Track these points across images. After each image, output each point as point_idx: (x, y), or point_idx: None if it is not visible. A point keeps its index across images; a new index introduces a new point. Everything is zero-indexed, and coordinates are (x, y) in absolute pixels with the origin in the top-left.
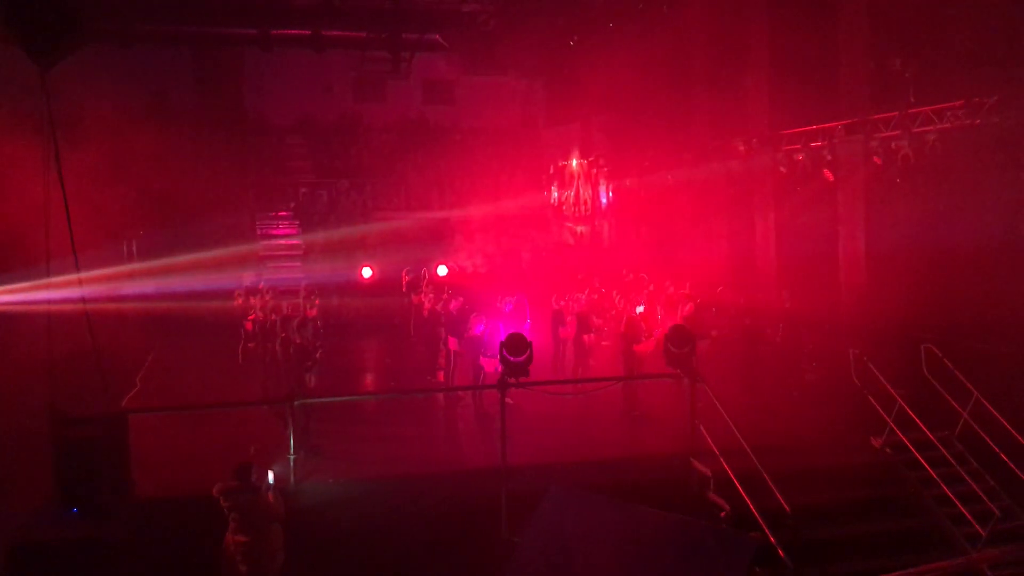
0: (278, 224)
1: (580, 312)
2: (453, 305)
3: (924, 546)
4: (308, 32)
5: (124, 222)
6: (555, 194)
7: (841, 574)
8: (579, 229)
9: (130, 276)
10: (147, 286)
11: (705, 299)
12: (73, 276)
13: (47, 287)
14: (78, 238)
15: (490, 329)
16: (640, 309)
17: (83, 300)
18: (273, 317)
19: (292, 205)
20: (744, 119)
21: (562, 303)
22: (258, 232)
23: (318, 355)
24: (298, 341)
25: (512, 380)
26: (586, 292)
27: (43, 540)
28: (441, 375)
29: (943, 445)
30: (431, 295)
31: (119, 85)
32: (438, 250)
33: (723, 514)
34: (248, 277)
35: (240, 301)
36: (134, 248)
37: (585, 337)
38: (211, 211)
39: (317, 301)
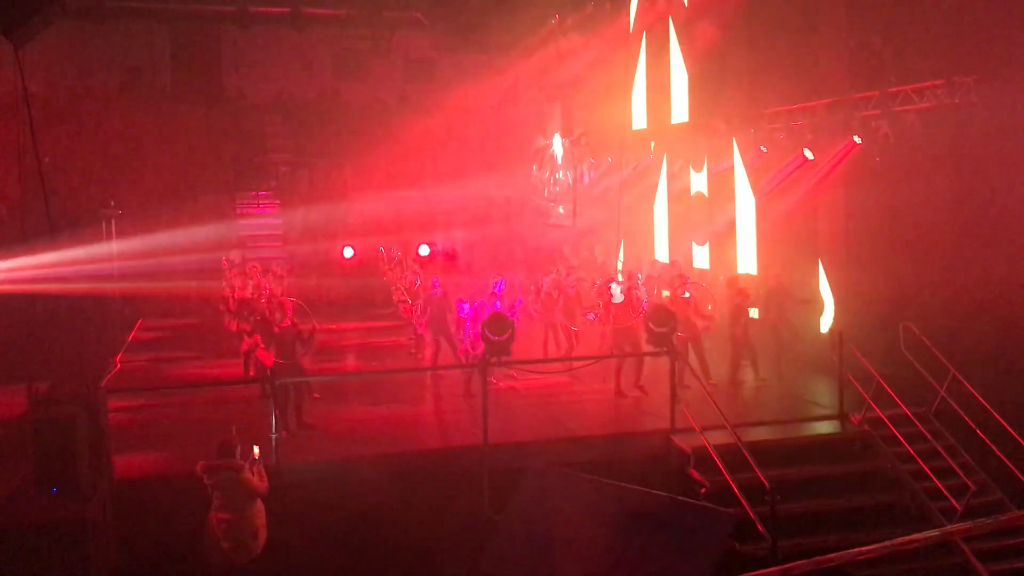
0: (259, 203)
1: (566, 293)
2: (436, 288)
3: (901, 520)
4: (288, 9)
5: (101, 201)
6: (536, 172)
7: (819, 548)
8: (560, 209)
9: (108, 255)
10: (126, 265)
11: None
12: (51, 255)
13: (24, 267)
14: (55, 217)
15: (475, 310)
16: (619, 289)
17: (61, 279)
18: (259, 297)
19: (273, 184)
20: (725, 98)
21: (546, 283)
22: (238, 211)
23: (312, 333)
24: (287, 323)
25: (495, 359)
26: (574, 273)
27: (22, 521)
28: (423, 354)
29: (920, 421)
30: (413, 274)
31: (95, 62)
32: (420, 229)
33: (703, 491)
34: (235, 254)
35: (228, 275)
36: (112, 227)
37: (572, 317)
38: (190, 190)
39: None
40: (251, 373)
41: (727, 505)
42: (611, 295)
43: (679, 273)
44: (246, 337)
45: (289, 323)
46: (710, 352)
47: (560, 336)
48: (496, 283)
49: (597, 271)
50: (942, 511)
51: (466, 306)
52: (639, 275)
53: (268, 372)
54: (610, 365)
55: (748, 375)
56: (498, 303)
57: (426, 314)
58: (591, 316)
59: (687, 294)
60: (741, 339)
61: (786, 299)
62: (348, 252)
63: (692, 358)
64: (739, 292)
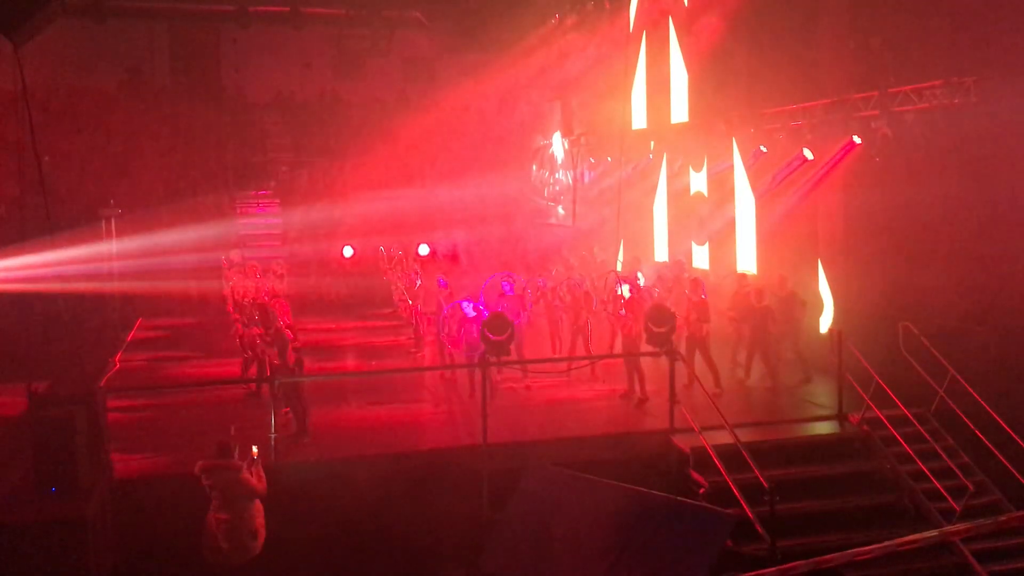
0: (258, 203)
1: (572, 291)
2: (443, 288)
3: (899, 520)
4: (287, 9)
5: (101, 200)
6: (536, 172)
7: (818, 548)
8: (560, 209)
9: (108, 254)
10: (125, 264)
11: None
12: (50, 254)
13: (24, 265)
14: (54, 216)
15: (480, 311)
16: (625, 289)
17: (61, 278)
18: (253, 298)
19: (272, 184)
20: (725, 98)
21: (549, 282)
22: (238, 211)
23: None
24: (282, 325)
25: (494, 359)
26: (574, 272)
27: (22, 519)
28: (423, 353)
29: (919, 422)
30: (414, 273)
31: (94, 61)
32: (420, 228)
33: (701, 491)
34: (235, 254)
35: (228, 275)
36: (112, 226)
37: (580, 317)
38: (190, 189)
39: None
40: (251, 372)
41: (726, 505)
42: (622, 295)
43: (694, 277)
44: (242, 329)
45: (283, 325)
46: (717, 354)
47: (563, 335)
48: (504, 283)
49: (597, 271)
50: (941, 512)
51: (469, 306)
52: (639, 274)
53: (269, 372)
54: (609, 365)
55: (751, 375)
56: (481, 305)
57: (433, 314)
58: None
59: (704, 295)
60: (757, 338)
61: (794, 302)
62: (348, 252)
63: (697, 361)
64: (755, 292)
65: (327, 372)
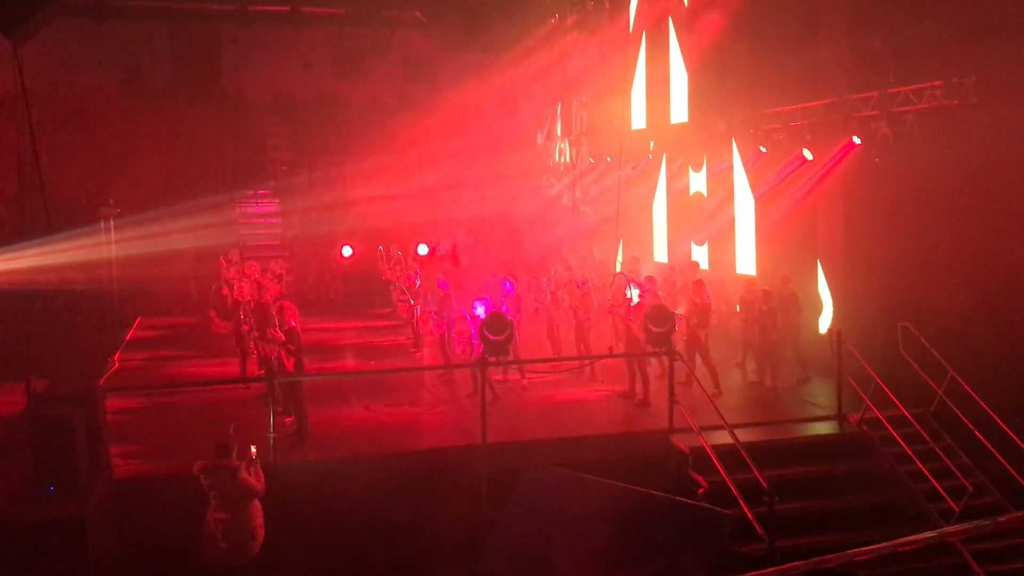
0: (258, 202)
1: (573, 290)
2: (444, 288)
3: (899, 521)
4: (287, 8)
5: (100, 199)
6: (542, 140)
7: (817, 548)
8: (554, 190)
9: (107, 253)
10: (124, 263)
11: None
12: (49, 252)
13: (22, 264)
14: (53, 215)
15: (490, 310)
16: (635, 292)
17: (59, 278)
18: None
19: (272, 184)
20: (725, 98)
21: (547, 284)
22: (237, 210)
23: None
24: (293, 325)
25: (492, 359)
26: (574, 272)
27: (21, 519)
28: (422, 353)
29: (918, 422)
30: (414, 272)
31: (94, 60)
32: (419, 228)
33: (700, 491)
34: (233, 253)
35: (227, 275)
36: (111, 225)
37: (582, 315)
38: (189, 189)
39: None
40: (252, 371)
41: (725, 505)
42: (628, 298)
43: (698, 279)
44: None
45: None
46: (717, 354)
47: (562, 336)
48: (506, 283)
49: (596, 271)
50: (940, 512)
51: (482, 308)
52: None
53: (270, 371)
54: (609, 365)
55: (748, 374)
56: (491, 304)
57: (433, 314)
58: (635, 291)
59: (707, 298)
60: (767, 339)
61: (792, 303)
62: (347, 251)
63: (697, 364)
64: (763, 295)
65: (327, 372)
